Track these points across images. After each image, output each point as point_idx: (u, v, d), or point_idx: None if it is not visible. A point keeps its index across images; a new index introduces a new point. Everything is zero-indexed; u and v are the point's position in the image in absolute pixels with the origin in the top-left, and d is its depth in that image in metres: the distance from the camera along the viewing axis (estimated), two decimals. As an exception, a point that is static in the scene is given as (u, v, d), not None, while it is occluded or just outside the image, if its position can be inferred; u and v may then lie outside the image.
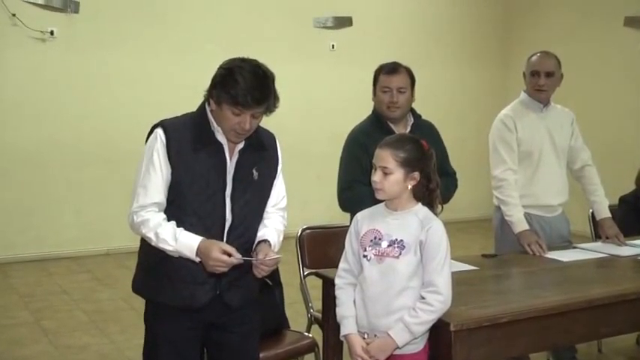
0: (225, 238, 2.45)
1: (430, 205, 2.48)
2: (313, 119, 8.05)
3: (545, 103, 3.76)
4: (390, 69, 3.42)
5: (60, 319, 5.10)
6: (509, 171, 3.66)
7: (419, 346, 2.43)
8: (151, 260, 2.49)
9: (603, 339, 4.24)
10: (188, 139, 2.43)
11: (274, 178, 2.63)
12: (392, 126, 3.41)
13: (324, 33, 8.27)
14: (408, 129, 3.43)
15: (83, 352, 4.44)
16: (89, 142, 7.08)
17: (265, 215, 2.61)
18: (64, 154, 7.01)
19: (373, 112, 3.50)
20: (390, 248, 2.40)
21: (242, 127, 2.39)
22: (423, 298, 2.36)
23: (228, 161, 2.47)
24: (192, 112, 2.53)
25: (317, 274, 3.23)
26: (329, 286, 2.87)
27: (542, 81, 3.67)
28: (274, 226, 2.59)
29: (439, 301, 2.35)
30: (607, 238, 3.77)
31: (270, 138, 2.64)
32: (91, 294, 5.77)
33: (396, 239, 2.40)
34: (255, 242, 2.54)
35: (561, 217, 3.85)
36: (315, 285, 3.37)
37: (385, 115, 3.42)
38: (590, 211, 3.99)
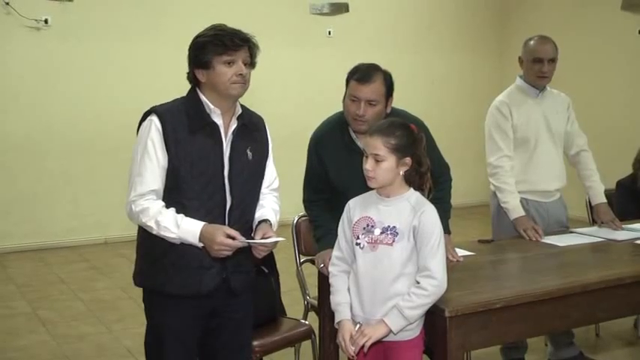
0: (226, 221, 2.45)
1: (421, 188, 2.47)
2: (310, 105, 8.01)
3: (542, 88, 3.73)
4: (362, 76, 2.86)
5: (57, 308, 5.10)
6: (505, 158, 3.64)
7: (414, 332, 2.42)
8: (155, 251, 2.46)
9: (601, 323, 4.25)
10: (184, 122, 2.42)
11: (266, 158, 2.65)
12: (355, 138, 2.98)
13: (321, 19, 8.23)
14: None
15: (81, 341, 4.44)
16: (85, 131, 7.06)
17: (260, 196, 2.63)
18: (60, 143, 6.99)
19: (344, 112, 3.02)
20: (383, 235, 2.39)
21: (240, 75, 2.41)
22: (418, 282, 2.35)
23: (224, 142, 2.47)
24: (183, 97, 2.53)
25: (313, 262, 3.23)
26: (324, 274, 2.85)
27: (546, 68, 3.63)
28: (271, 206, 2.62)
29: (433, 285, 2.34)
30: (602, 223, 3.76)
31: (259, 119, 2.67)
32: (89, 283, 5.77)
33: (389, 226, 2.39)
34: (255, 222, 2.56)
35: (559, 202, 3.84)
36: (311, 272, 3.36)
37: (351, 126, 2.97)
38: (587, 196, 3.98)
